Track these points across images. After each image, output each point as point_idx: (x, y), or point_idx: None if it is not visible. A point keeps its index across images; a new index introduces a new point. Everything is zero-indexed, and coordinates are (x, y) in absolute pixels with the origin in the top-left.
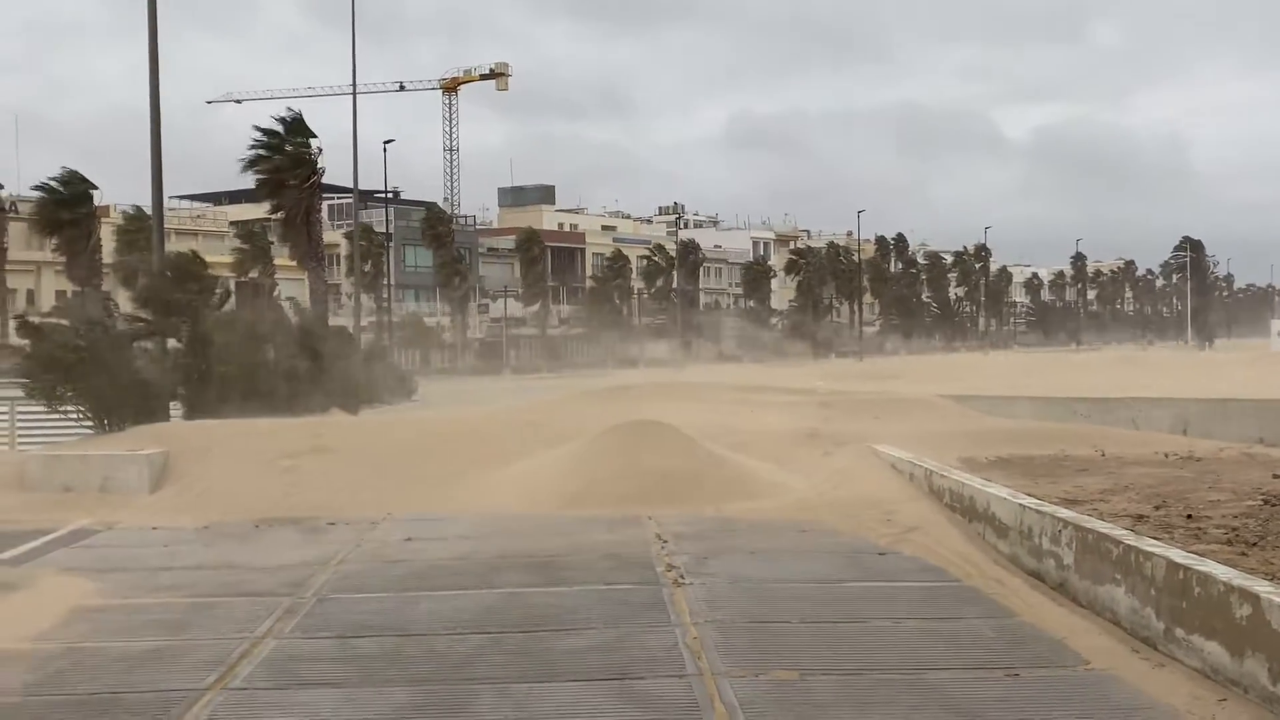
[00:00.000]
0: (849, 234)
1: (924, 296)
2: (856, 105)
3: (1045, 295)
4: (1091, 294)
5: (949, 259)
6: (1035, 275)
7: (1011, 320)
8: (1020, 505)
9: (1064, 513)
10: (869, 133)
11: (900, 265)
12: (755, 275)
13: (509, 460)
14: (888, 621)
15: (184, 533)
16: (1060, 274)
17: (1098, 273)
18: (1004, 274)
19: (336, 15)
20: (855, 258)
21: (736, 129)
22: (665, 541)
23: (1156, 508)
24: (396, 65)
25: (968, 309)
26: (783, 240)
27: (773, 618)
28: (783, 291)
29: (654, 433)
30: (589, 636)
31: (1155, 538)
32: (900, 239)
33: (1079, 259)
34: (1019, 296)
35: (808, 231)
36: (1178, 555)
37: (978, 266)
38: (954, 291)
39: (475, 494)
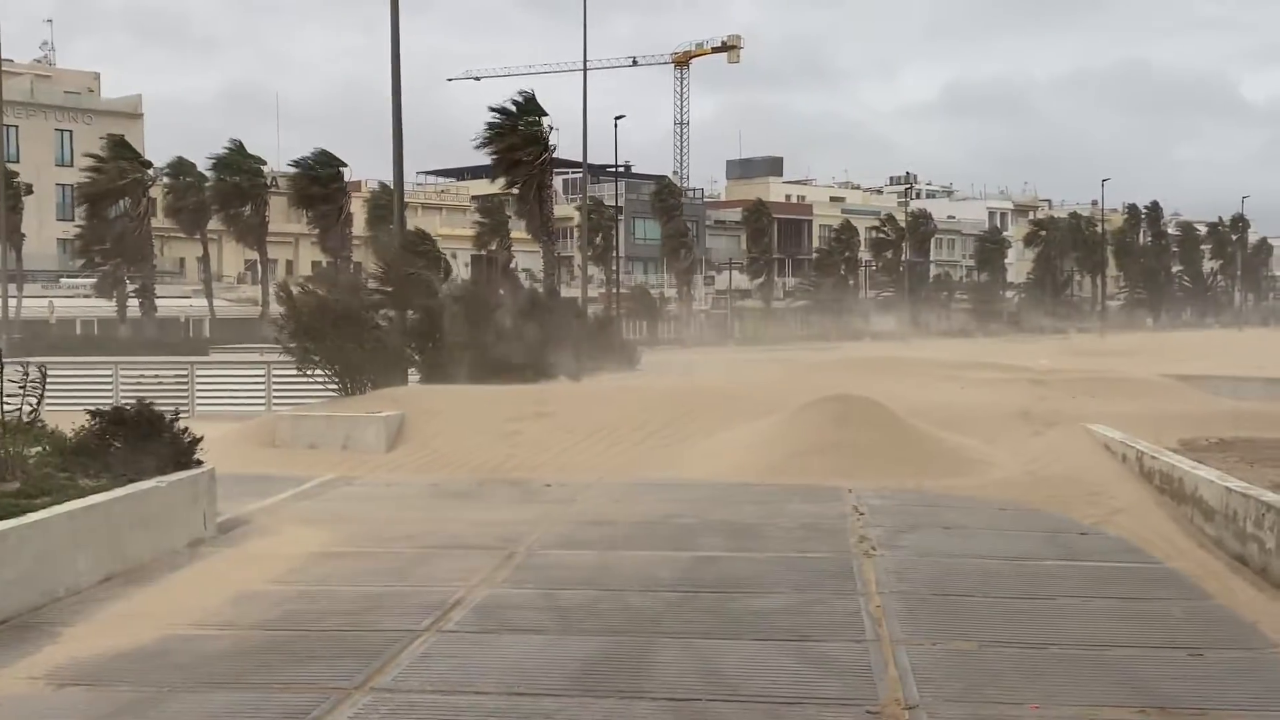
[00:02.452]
0: (1093, 203)
1: (1174, 269)
2: (1080, 65)
3: None
4: None
5: (1202, 230)
6: None
7: (1270, 295)
8: (1226, 488)
9: (1269, 496)
10: (1098, 94)
11: (1149, 236)
12: (990, 247)
13: (715, 430)
14: (1077, 599)
15: (414, 489)
16: None
17: None
18: (1264, 246)
19: None
20: (1099, 228)
21: (957, 93)
22: (862, 514)
23: None
24: (602, 41)
25: (1222, 283)
26: (1021, 210)
27: (959, 591)
28: (1020, 264)
29: (856, 407)
30: (776, 600)
31: None
32: (1154, 208)
33: None
34: None
35: (1049, 201)
36: None
37: (1234, 238)
38: (1208, 264)
39: (681, 461)
